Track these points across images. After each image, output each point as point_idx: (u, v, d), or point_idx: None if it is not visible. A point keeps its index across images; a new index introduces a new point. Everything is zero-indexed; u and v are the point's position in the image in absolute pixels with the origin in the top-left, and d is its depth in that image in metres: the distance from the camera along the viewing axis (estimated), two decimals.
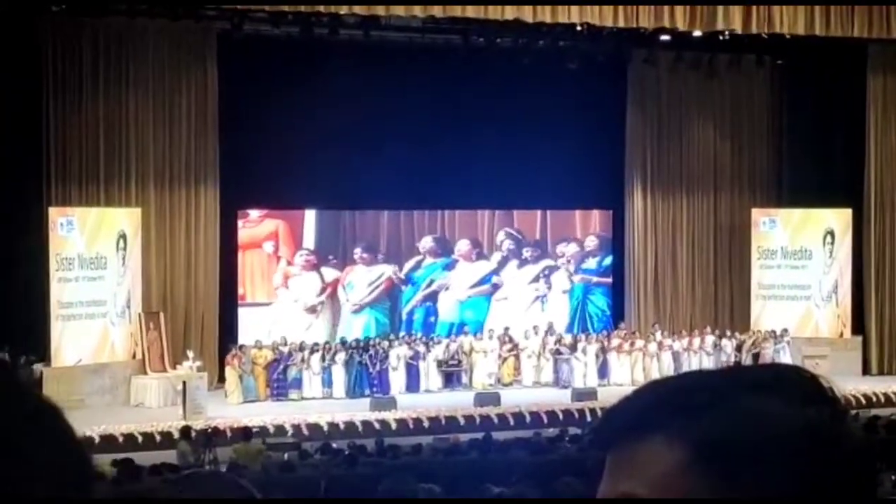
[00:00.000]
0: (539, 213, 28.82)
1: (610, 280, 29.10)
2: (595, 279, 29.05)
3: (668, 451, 1.19)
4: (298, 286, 26.85)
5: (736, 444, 1.17)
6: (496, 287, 28.35)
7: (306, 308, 26.77)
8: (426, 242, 27.97)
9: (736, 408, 1.19)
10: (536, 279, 28.63)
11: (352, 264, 27.32)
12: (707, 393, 1.21)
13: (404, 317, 27.66)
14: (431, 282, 27.87)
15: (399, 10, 22.19)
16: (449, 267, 28.07)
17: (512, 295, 28.35)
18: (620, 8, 23.05)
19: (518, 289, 28.48)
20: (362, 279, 27.33)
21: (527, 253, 28.58)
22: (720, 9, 23.56)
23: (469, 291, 28.14)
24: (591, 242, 29.12)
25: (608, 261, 29.09)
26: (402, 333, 26.58)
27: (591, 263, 29.06)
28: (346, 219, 27.62)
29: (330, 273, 27.12)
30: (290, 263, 26.85)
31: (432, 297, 27.92)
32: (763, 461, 1.16)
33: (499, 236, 28.50)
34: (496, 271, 28.40)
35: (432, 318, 27.81)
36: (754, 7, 23.66)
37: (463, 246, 28.19)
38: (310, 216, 27.31)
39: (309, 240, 27.18)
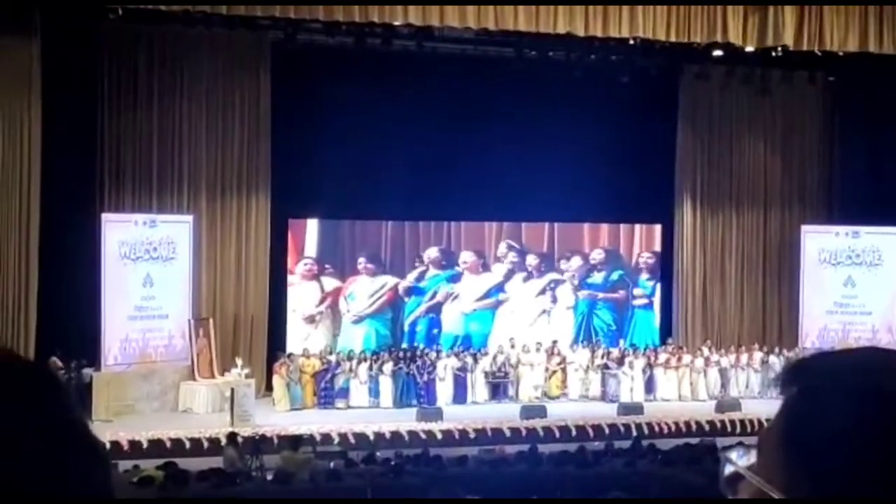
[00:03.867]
0: (546, 225, 28.58)
1: (617, 295, 28.79)
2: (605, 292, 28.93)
3: (776, 420, 1.19)
4: (297, 296, 26.58)
5: (815, 434, 1.13)
6: (500, 302, 28.00)
7: (304, 318, 26.52)
8: (431, 253, 27.62)
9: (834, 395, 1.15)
10: (543, 292, 28.31)
11: (355, 274, 27.06)
12: (821, 376, 1.19)
13: (406, 328, 27.29)
14: (435, 293, 27.62)
15: (453, 23, 22.17)
16: (454, 279, 27.79)
17: (518, 308, 27.97)
18: (673, 22, 22.95)
19: (524, 302, 28.07)
20: (364, 290, 27.01)
21: (531, 262, 28.18)
22: (772, 24, 23.39)
23: (475, 304, 27.83)
24: (598, 256, 28.74)
25: (616, 275, 28.72)
26: (457, 346, 26.39)
27: (598, 278, 28.71)
28: (346, 228, 27.35)
29: (329, 283, 26.89)
30: (290, 273, 26.60)
31: (436, 308, 27.59)
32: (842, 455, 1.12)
33: (501, 248, 28.20)
34: (501, 285, 27.97)
35: (435, 331, 27.40)
36: (806, 23, 23.49)
37: (468, 257, 27.87)
38: (312, 225, 27.04)
39: (311, 248, 26.89)
